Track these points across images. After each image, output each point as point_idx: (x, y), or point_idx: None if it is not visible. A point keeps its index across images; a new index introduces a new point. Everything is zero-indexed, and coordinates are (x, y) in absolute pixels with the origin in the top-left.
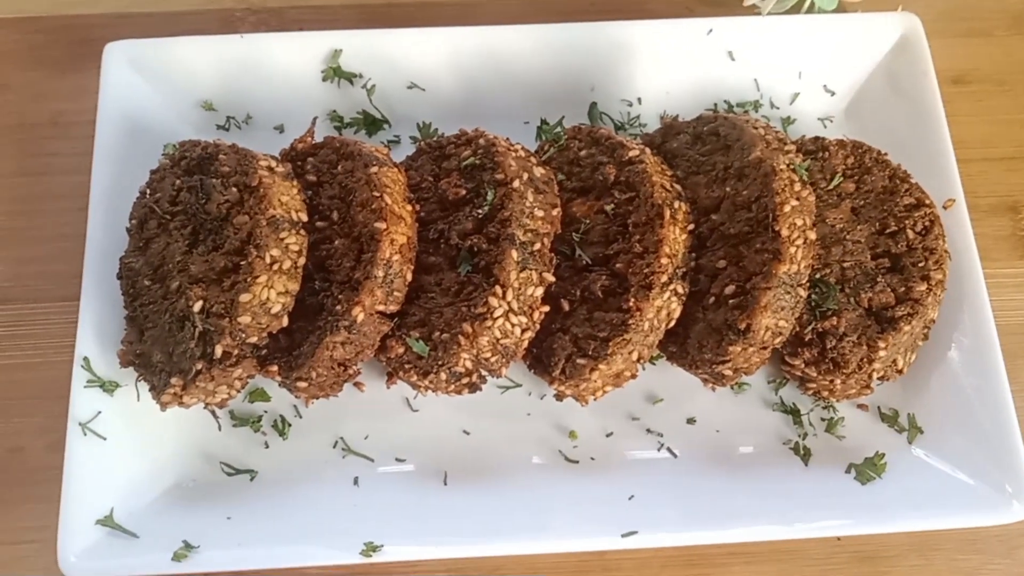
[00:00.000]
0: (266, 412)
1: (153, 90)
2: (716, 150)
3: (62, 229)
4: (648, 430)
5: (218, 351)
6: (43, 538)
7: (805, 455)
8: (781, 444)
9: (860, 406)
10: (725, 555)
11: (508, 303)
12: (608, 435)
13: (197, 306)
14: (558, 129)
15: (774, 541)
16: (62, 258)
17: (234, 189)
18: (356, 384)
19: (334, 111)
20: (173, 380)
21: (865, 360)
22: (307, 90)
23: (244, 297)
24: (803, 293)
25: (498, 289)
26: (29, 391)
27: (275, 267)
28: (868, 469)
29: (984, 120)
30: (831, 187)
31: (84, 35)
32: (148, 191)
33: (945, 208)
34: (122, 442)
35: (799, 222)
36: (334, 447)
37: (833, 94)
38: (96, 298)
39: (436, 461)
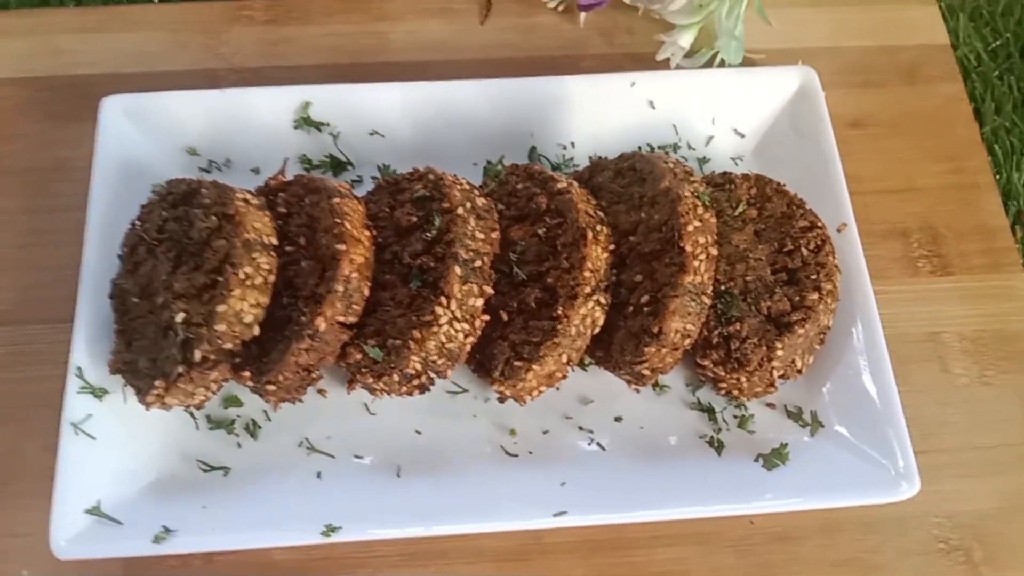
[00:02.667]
0: (239, 416)
1: (144, 137)
2: (634, 182)
3: (62, 260)
4: (580, 427)
5: (197, 355)
6: (37, 532)
7: (719, 447)
8: (698, 438)
9: (768, 404)
10: (649, 538)
11: (452, 312)
12: (544, 432)
13: (179, 317)
14: (499, 167)
15: (694, 525)
16: (61, 285)
17: (214, 218)
18: (319, 391)
19: (304, 155)
20: (157, 383)
21: (765, 359)
22: (280, 137)
23: (221, 308)
24: (707, 301)
25: (443, 299)
26: (27, 401)
27: (248, 282)
28: (774, 458)
29: (878, 158)
30: (736, 214)
31: (85, 91)
32: (138, 222)
33: (839, 231)
34: (109, 441)
35: (701, 240)
36: (299, 446)
37: (743, 136)
38: (89, 316)
39: (391, 457)
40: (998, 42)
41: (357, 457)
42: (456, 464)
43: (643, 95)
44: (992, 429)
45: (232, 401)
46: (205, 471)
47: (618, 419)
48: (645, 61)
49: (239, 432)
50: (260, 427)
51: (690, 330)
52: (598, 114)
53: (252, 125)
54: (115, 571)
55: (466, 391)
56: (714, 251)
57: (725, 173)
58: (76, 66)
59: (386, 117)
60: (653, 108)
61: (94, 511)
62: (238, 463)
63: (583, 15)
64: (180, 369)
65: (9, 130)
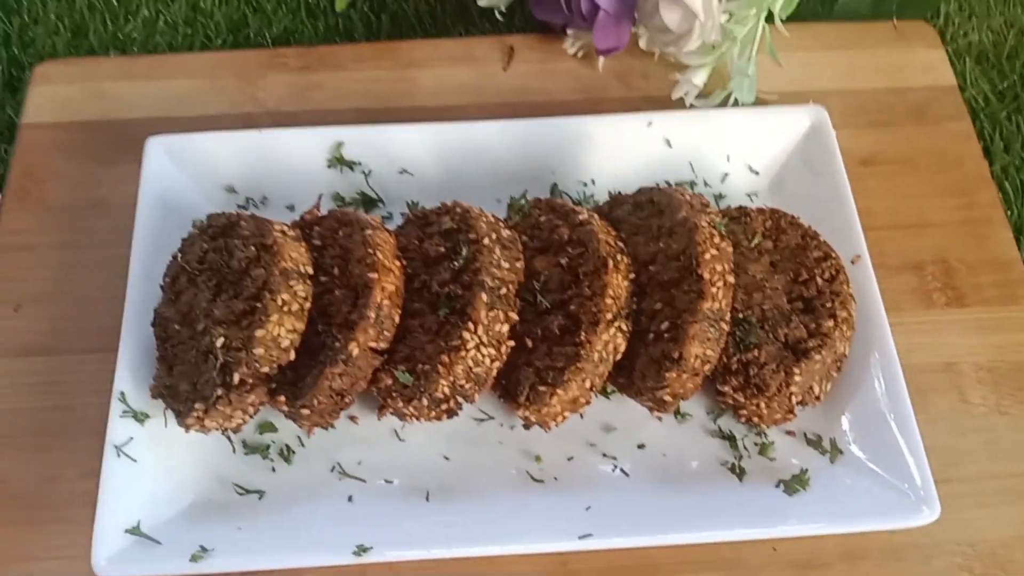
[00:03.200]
0: (273, 442)
1: (184, 175)
2: (652, 215)
3: (99, 292)
4: (604, 454)
5: (236, 378)
6: (71, 555)
7: (740, 473)
8: (719, 465)
9: (788, 432)
10: (675, 564)
11: (479, 337)
12: (569, 459)
13: (219, 342)
14: (522, 201)
15: (718, 552)
16: (98, 316)
17: (252, 248)
18: (351, 417)
19: (337, 192)
20: (197, 405)
21: (783, 384)
22: (314, 175)
23: (259, 333)
24: (725, 327)
25: (470, 325)
26: (65, 429)
27: (285, 308)
28: (795, 483)
29: (890, 195)
30: (752, 245)
31: (125, 134)
32: (180, 254)
33: (853, 263)
34: (149, 464)
35: (719, 267)
36: (331, 471)
37: (757, 173)
38: (132, 343)
39: (420, 481)
40: (1005, 84)
41: (387, 481)
42: (483, 489)
43: (660, 134)
44: (1012, 458)
45: (267, 427)
46: (240, 494)
47: (641, 446)
48: (661, 103)
49: (273, 457)
50: (294, 452)
51: (709, 355)
52: (617, 152)
53: (287, 164)
54: None
55: (492, 418)
56: (731, 279)
57: (740, 207)
58: (117, 110)
59: (415, 156)
60: (670, 146)
61: (134, 531)
62: (272, 487)
63: (601, 60)
64: (219, 392)
65: (51, 169)
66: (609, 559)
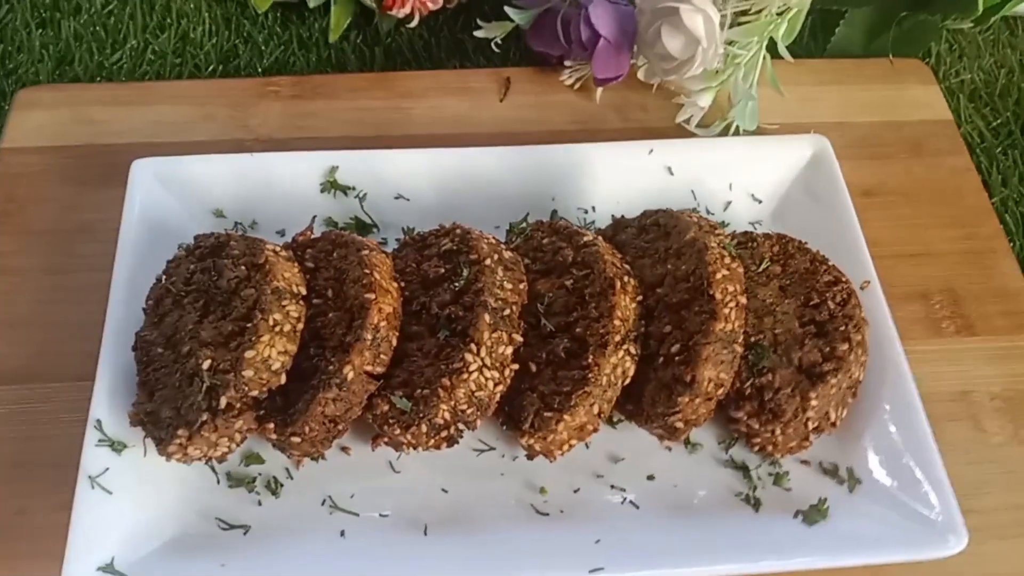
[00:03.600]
0: (260, 474)
1: (172, 198)
2: (658, 237)
3: (82, 318)
4: (612, 486)
5: (223, 402)
6: None
7: (756, 504)
8: (733, 496)
9: (803, 462)
10: None
11: (482, 359)
12: (575, 491)
13: (206, 364)
14: (523, 224)
15: None
16: (78, 343)
17: (243, 267)
18: (343, 448)
19: (330, 217)
20: (180, 432)
21: (800, 409)
22: (306, 199)
23: (248, 354)
24: (739, 349)
25: (473, 347)
26: (39, 459)
27: (277, 328)
28: (814, 514)
29: (893, 225)
30: (760, 270)
31: (113, 159)
32: (164, 276)
33: (862, 288)
34: (126, 497)
35: (730, 288)
36: (322, 504)
37: (760, 201)
38: (111, 369)
39: (416, 514)
40: (999, 120)
41: (382, 515)
42: (484, 522)
43: (661, 161)
44: None
45: (253, 458)
46: (224, 529)
47: (650, 477)
48: (659, 134)
49: (260, 490)
50: (282, 485)
51: (723, 379)
52: (617, 180)
53: (279, 188)
54: None
55: (493, 449)
56: (743, 300)
57: (746, 232)
58: (106, 135)
59: (411, 182)
60: (671, 174)
61: (107, 569)
62: (259, 521)
63: (599, 91)
64: (204, 417)
65: (37, 194)
66: None
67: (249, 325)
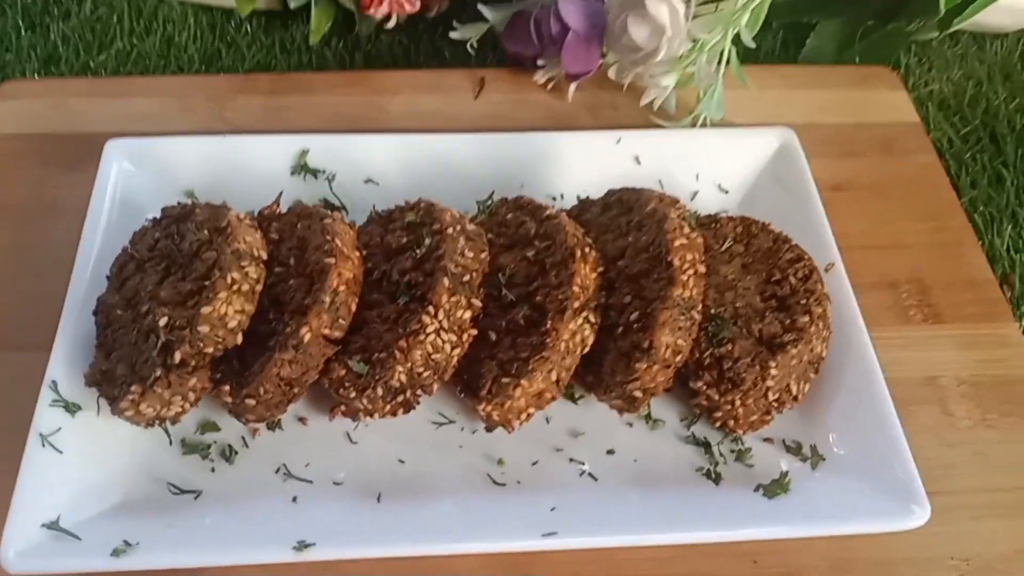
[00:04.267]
0: (215, 442)
1: (143, 178)
2: (621, 213)
3: (45, 289)
4: (571, 459)
5: (177, 356)
6: None
7: (716, 478)
8: (694, 471)
9: (766, 439)
10: None
11: (439, 322)
12: (534, 463)
13: (162, 321)
14: (489, 201)
15: (694, 564)
16: (42, 316)
17: (205, 232)
18: (300, 419)
19: (299, 199)
20: (133, 388)
21: (759, 378)
22: (277, 182)
23: (205, 310)
24: (697, 317)
25: (431, 308)
26: None
27: (235, 288)
28: (775, 487)
29: (861, 218)
30: (723, 249)
31: (88, 145)
32: (130, 245)
33: (827, 271)
34: (76, 457)
35: (689, 256)
36: (276, 472)
37: (727, 192)
38: (71, 334)
39: (371, 482)
40: (967, 128)
41: (336, 483)
42: (439, 490)
43: (629, 151)
44: (1004, 472)
45: (209, 426)
46: (175, 494)
47: (610, 452)
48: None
49: (214, 457)
50: (236, 452)
51: (680, 345)
52: (585, 168)
53: (250, 170)
54: None
55: (452, 422)
56: (702, 268)
57: (710, 215)
58: (83, 124)
59: (381, 167)
60: (639, 163)
61: (52, 526)
62: (211, 486)
63: (572, 89)
64: (158, 372)
65: (9, 175)
66: (576, 569)
67: (207, 283)
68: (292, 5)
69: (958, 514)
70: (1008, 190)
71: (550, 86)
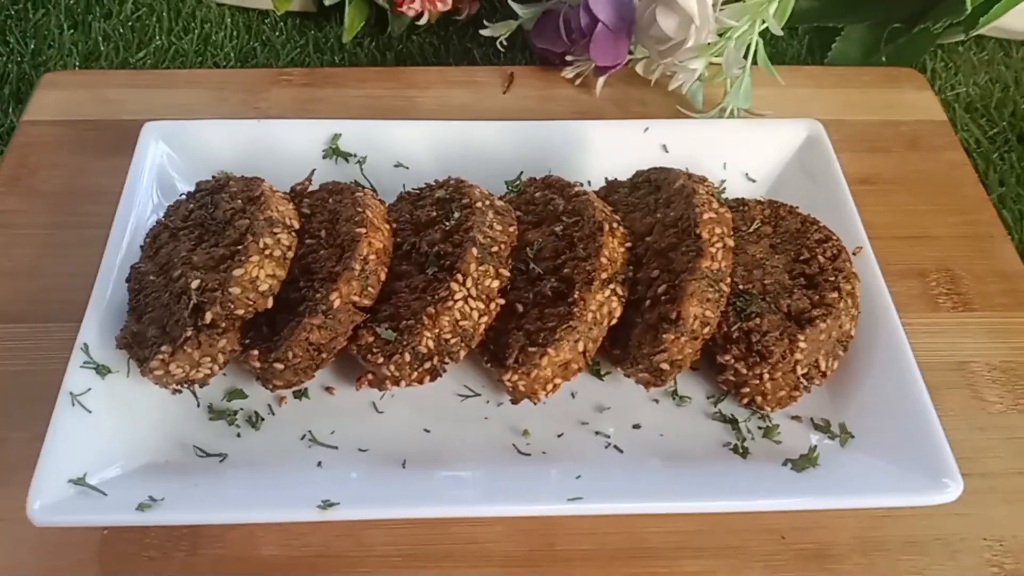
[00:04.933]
0: (242, 409)
1: (179, 159)
2: (649, 192)
3: (82, 268)
4: (596, 432)
5: (208, 317)
6: (12, 518)
7: (744, 452)
8: (721, 446)
9: (794, 417)
10: (672, 549)
11: (467, 289)
12: (559, 435)
13: (195, 284)
14: (517, 181)
15: (720, 538)
16: (75, 291)
17: (239, 201)
18: (327, 389)
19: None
20: (163, 348)
21: (788, 352)
22: (309, 165)
23: (237, 272)
24: (725, 289)
25: (459, 276)
26: (23, 394)
27: (267, 252)
28: (804, 462)
29: (890, 210)
30: (751, 230)
31: (126, 131)
32: (164, 216)
33: (855, 254)
34: (105, 418)
35: (718, 230)
36: (302, 439)
37: (755, 181)
38: (104, 301)
39: (397, 451)
40: (995, 130)
41: (361, 450)
42: (464, 459)
43: (656, 139)
44: None
45: (236, 394)
46: (201, 457)
47: (636, 426)
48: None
49: (240, 424)
50: (263, 419)
51: (708, 317)
52: (613, 156)
53: (283, 153)
54: (90, 570)
55: (478, 395)
56: (730, 242)
57: (738, 198)
58: (121, 112)
59: (411, 152)
60: (666, 151)
61: (79, 482)
62: (236, 451)
63: (600, 84)
64: (189, 332)
65: (49, 160)
66: (600, 540)
67: (240, 248)
68: (327, 3)
69: (990, 496)
70: None
71: (578, 81)
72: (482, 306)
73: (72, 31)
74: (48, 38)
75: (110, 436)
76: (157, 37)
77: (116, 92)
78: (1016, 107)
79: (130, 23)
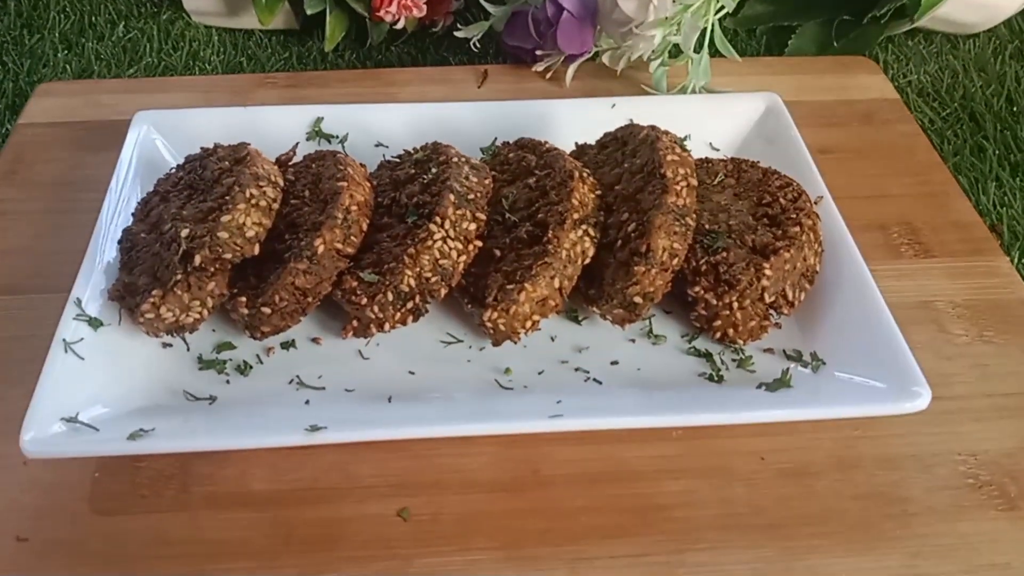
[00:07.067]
0: (231, 359)
1: (169, 141)
2: (617, 148)
3: (72, 246)
4: (576, 368)
5: (197, 259)
6: (7, 464)
7: (719, 380)
8: (697, 376)
9: (766, 350)
10: (654, 472)
11: (446, 231)
12: (540, 372)
13: (184, 232)
14: (492, 146)
15: (701, 460)
16: (68, 265)
17: (226, 162)
18: (314, 339)
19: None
20: (154, 292)
21: (754, 279)
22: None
23: (224, 218)
24: (691, 223)
25: (437, 219)
26: (20, 356)
27: (253, 202)
28: (777, 384)
29: (848, 175)
30: (716, 183)
31: (118, 129)
32: (154, 186)
33: (816, 204)
34: (96, 366)
35: (681, 170)
36: (290, 383)
37: (718, 150)
38: (96, 261)
39: (383, 390)
40: (947, 111)
41: (348, 391)
42: (449, 392)
43: (622, 115)
44: (1003, 379)
45: (225, 347)
46: (191, 400)
47: (614, 363)
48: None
49: (229, 372)
50: (251, 367)
51: (677, 249)
52: (582, 131)
53: (268, 137)
54: (81, 507)
55: (460, 341)
56: (694, 181)
57: (703, 157)
58: (114, 114)
59: (391, 133)
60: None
61: (70, 420)
62: (225, 395)
63: (570, 71)
64: (178, 275)
65: (45, 155)
66: (583, 466)
67: (227, 198)
68: (308, 11)
69: (960, 416)
70: (990, 158)
71: (549, 75)
72: (460, 246)
73: (66, 52)
74: (43, 58)
75: (101, 382)
76: (147, 55)
77: (109, 97)
78: (966, 90)
79: (122, 44)
